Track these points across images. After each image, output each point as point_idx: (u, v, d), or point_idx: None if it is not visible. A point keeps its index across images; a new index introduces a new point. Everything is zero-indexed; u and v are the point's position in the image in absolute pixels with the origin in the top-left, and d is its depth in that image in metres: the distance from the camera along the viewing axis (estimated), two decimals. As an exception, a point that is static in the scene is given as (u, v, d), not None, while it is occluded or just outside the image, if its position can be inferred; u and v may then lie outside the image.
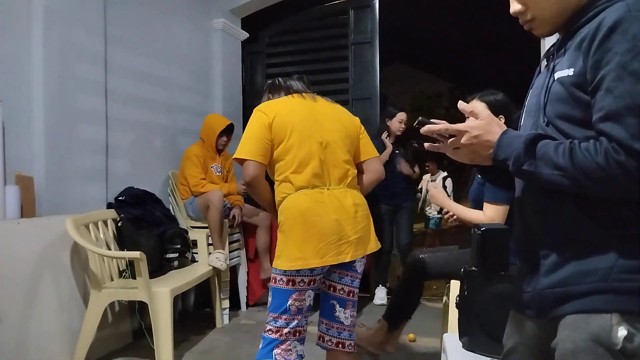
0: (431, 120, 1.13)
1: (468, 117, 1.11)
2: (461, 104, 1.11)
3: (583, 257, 0.99)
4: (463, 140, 1.08)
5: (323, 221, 1.90)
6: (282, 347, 1.91)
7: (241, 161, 1.95)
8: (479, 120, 1.07)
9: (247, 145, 1.95)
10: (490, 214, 2.32)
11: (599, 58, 0.94)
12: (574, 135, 1.00)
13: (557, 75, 1.03)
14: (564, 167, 0.95)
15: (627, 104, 0.90)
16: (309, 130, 1.98)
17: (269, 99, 2.18)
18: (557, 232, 1.04)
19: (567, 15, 1.07)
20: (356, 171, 2.10)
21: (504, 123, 1.26)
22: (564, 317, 1.01)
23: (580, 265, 1.00)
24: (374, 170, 2.19)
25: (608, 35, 0.93)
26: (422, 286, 2.75)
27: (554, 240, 1.05)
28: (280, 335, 1.92)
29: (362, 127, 2.21)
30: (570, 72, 1.00)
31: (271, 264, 3.87)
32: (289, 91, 2.16)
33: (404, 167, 4.24)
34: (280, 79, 2.24)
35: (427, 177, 5.43)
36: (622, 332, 0.93)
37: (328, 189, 1.96)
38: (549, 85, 1.05)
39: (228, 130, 3.97)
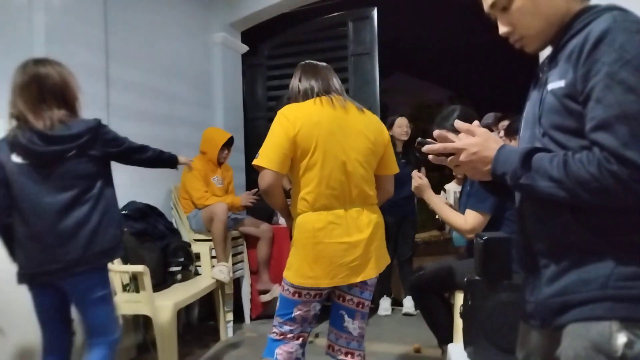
0: (428, 140, 1.17)
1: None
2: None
3: (582, 266, 1.00)
4: (462, 158, 1.10)
5: (335, 244, 1.91)
6: (284, 348, 1.99)
7: (259, 168, 1.91)
8: (476, 138, 1.10)
9: (267, 153, 1.90)
10: (472, 220, 2.33)
11: (587, 69, 0.96)
12: (569, 145, 1.01)
13: (549, 87, 1.05)
14: (559, 179, 0.96)
15: (616, 113, 0.91)
16: (334, 149, 1.91)
17: (299, 81, 2.07)
18: (555, 241, 1.05)
19: (554, 30, 1.09)
20: (375, 191, 2.06)
21: None
22: (566, 326, 1.02)
23: (580, 273, 1.00)
24: (385, 189, 2.15)
25: (595, 46, 0.95)
26: (443, 297, 2.77)
27: (553, 249, 1.06)
28: (284, 338, 2.00)
29: (389, 141, 2.12)
30: (561, 83, 1.02)
31: (269, 276, 3.92)
32: (319, 82, 2.03)
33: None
34: (316, 63, 2.12)
35: (450, 186, 4.66)
36: (622, 339, 0.94)
37: (345, 210, 1.94)
38: (543, 97, 1.08)
39: (229, 143, 3.99)
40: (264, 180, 1.91)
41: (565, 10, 1.07)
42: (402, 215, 4.23)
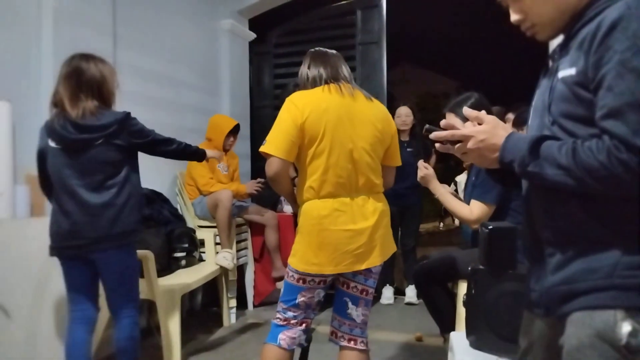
0: (436, 127, 1.17)
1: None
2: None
3: (587, 255, 1.00)
4: (469, 145, 1.10)
5: (340, 231, 1.91)
6: (287, 333, 2.00)
7: (267, 155, 1.91)
8: (484, 125, 1.10)
9: (274, 140, 1.89)
10: (478, 211, 2.34)
11: (599, 56, 0.95)
12: (579, 133, 1.00)
13: (560, 74, 1.04)
14: (568, 166, 0.96)
15: (628, 101, 0.90)
16: (341, 136, 1.91)
17: (308, 68, 2.06)
18: (561, 230, 1.05)
19: (566, 18, 1.08)
20: (382, 180, 2.06)
21: None
22: (570, 315, 1.02)
23: (585, 262, 1.00)
24: (386, 181, 2.13)
25: (608, 34, 0.94)
26: (446, 287, 2.77)
27: (559, 238, 1.05)
28: (287, 324, 2.01)
29: (396, 132, 2.13)
30: (572, 71, 1.01)
31: (283, 262, 3.90)
32: (328, 69, 2.02)
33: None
34: (325, 50, 2.10)
35: (461, 178, 4.50)
36: (626, 327, 0.94)
37: (351, 198, 1.94)
38: (553, 85, 1.07)
39: (235, 131, 3.99)
40: (271, 167, 1.90)
41: None
42: (405, 205, 4.22)
